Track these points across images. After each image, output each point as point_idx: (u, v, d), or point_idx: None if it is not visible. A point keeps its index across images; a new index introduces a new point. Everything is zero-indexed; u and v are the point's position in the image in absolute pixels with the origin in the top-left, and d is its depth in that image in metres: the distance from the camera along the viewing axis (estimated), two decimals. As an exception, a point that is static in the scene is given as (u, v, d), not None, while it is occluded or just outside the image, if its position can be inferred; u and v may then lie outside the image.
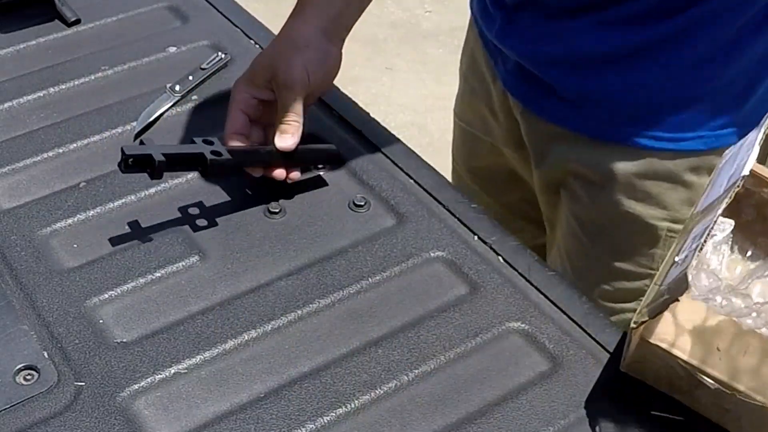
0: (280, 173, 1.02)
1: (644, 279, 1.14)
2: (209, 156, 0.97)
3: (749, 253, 0.88)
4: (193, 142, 0.99)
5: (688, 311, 0.79)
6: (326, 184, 1.06)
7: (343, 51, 1.08)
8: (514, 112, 1.17)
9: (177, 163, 0.98)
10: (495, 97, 1.20)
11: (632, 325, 0.80)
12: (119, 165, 0.95)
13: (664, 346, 0.78)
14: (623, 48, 1.03)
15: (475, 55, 1.24)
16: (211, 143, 0.99)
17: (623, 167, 1.08)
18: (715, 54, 1.03)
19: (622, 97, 1.06)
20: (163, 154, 0.95)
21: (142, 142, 0.97)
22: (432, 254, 0.98)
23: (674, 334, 0.79)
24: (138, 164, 0.95)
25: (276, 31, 1.27)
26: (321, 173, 1.07)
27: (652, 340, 0.79)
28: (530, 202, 1.27)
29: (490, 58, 1.19)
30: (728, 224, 0.86)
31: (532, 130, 1.15)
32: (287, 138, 1.01)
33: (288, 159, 1.03)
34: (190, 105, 1.16)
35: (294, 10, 1.07)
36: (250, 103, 1.03)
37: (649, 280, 1.09)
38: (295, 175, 1.04)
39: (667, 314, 0.79)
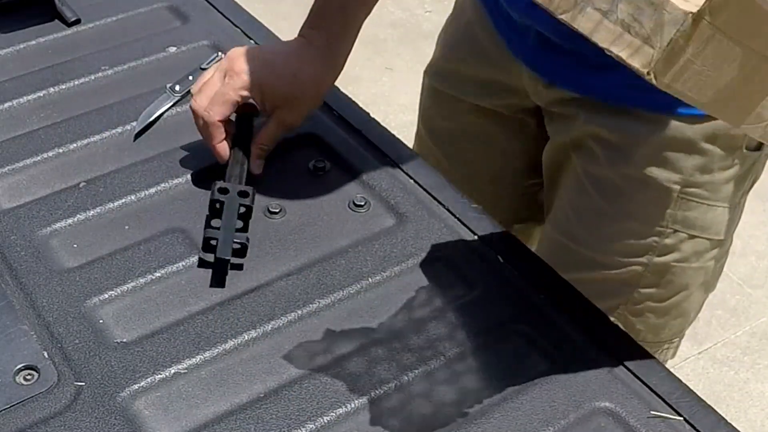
0: None
1: (654, 236, 1.16)
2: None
3: None
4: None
5: None
6: (324, 175, 1.07)
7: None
8: (535, 86, 1.19)
9: None
10: (513, 73, 1.22)
11: None
12: None
13: None
14: None
15: (474, 30, 1.26)
16: (226, 191, 0.97)
17: (645, 132, 1.11)
18: None
19: None
20: None
21: None
22: (432, 254, 0.98)
23: None
24: None
25: (276, 31, 1.28)
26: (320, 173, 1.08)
27: None
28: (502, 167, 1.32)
29: (501, 37, 1.20)
30: None
31: (555, 101, 1.17)
32: (260, 165, 1.07)
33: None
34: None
35: (306, 25, 1.09)
36: (229, 121, 1.06)
37: (659, 237, 1.13)
38: None
39: None
